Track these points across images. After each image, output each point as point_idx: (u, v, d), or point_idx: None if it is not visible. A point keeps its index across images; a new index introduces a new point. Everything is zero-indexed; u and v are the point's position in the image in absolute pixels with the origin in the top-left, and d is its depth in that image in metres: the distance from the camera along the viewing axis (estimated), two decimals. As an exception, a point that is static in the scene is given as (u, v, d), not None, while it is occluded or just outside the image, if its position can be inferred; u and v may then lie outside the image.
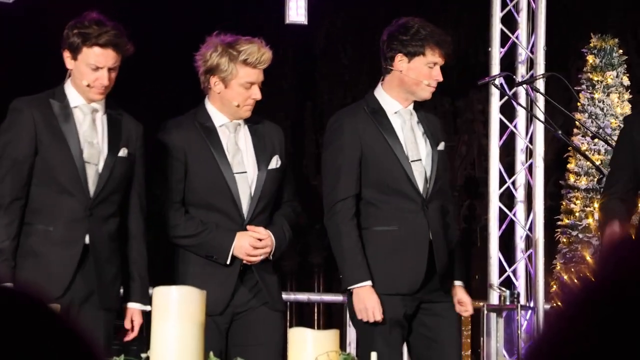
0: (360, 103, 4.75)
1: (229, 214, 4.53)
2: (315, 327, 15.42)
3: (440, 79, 4.68)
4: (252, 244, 4.49)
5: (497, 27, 7.70)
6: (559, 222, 8.14)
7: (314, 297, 11.49)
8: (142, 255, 4.48)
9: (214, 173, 4.51)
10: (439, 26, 4.87)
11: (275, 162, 4.61)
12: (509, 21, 7.78)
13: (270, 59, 4.56)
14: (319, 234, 17.73)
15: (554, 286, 7.86)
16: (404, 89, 4.68)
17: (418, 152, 4.67)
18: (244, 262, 4.52)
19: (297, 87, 18.19)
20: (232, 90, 4.49)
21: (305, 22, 8.42)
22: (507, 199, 7.81)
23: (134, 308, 4.48)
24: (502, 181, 7.64)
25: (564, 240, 8.06)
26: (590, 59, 8.25)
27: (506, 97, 7.64)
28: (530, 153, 7.65)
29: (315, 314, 17.58)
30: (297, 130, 18.41)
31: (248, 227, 4.53)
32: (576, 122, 8.00)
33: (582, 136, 8.07)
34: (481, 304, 7.59)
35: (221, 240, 4.49)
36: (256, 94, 4.52)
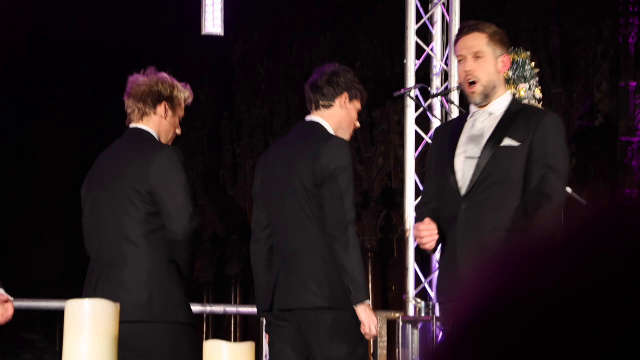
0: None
1: None
2: (232, 340, 15.35)
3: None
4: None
5: (412, 39, 7.76)
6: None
7: (230, 309, 11.42)
8: None
9: None
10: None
11: None
12: (424, 34, 7.85)
13: None
14: (236, 245, 17.66)
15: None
16: (341, 126, 4.85)
17: None
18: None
19: (214, 98, 18.11)
20: (174, 120, 4.76)
21: (222, 34, 8.41)
22: (423, 210, 7.86)
23: None
24: (418, 192, 7.69)
25: (479, 250, 8.14)
26: (504, 71, 8.35)
27: (422, 109, 7.70)
28: (445, 164, 7.71)
29: (232, 326, 17.51)
30: (214, 140, 18.33)
31: None
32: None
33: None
34: (397, 315, 7.62)
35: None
36: (179, 128, 4.80)
